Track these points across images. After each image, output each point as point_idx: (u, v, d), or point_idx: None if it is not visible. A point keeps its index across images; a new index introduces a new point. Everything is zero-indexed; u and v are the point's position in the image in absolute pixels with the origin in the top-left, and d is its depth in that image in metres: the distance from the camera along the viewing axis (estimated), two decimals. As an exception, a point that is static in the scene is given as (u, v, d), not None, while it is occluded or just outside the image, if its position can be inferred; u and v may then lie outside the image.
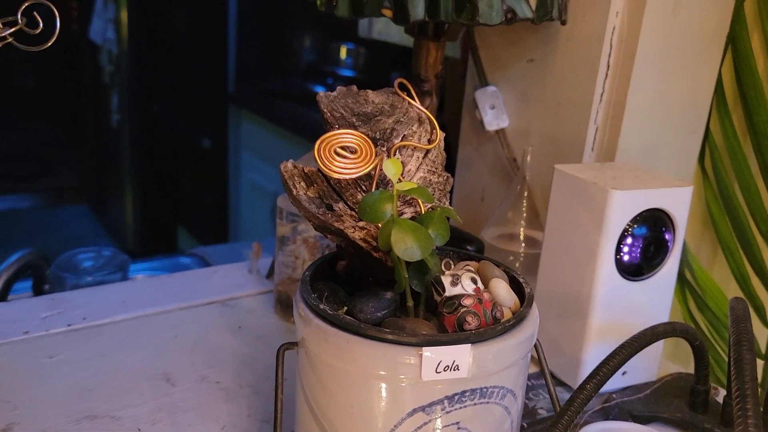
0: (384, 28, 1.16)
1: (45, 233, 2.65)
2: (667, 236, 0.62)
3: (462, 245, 0.72)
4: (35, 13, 0.38)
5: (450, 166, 0.92)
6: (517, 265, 0.75)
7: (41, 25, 0.38)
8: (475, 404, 0.42)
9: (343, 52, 2.10)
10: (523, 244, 0.76)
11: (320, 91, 0.47)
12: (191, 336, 0.71)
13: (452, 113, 0.95)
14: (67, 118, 2.90)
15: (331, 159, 0.43)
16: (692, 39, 0.72)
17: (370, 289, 0.45)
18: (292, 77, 2.41)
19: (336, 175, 0.42)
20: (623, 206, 0.59)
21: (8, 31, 0.38)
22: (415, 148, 0.47)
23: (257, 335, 0.72)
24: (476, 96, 0.83)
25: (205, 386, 0.63)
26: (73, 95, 2.85)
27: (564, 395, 0.63)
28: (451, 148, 0.95)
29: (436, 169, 0.48)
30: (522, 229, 0.76)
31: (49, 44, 0.38)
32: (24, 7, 0.38)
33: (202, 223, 2.69)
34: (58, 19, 0.38)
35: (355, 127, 0.46)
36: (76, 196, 2.94)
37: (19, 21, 0.38)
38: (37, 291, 1.16)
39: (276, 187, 2.15)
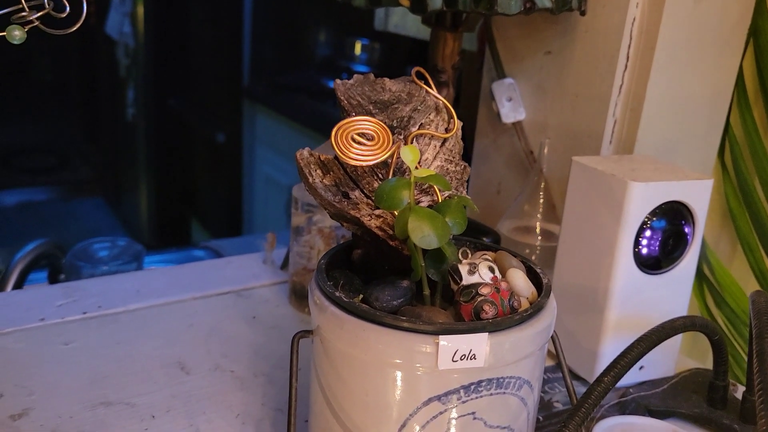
0: (400, 21, 1.15)
1: (61, 225, 2.67)
2: (686, 229, 0.62)
3: (478, 237, 0.72)
4: None
5: (466, 159, 0.92)
6: (533, 257, 0.75)
7: (67, 8, 0.38)
8: (491, 394, 0.41)
9: (358, 47, 2.09)
10: (539, 237, 0.75)
11: (338, 79, 0.47)
12: (206, 325, 0.71)
13: (469, 105, 0.95)
14: (84, 112, 2.92)
15: (348, 145, 0.42)
16: (713, 31, 0.71)
17: (386, 277, 0.45)
18: (307, 72, 2.41)
19: (353, 162, 0.42)
20: (642, 198, 0.58)
21: (36, 15, 0.38)
22: (432, 136, 0.47)
23: (271, 325, 0.72)
24: (493, 88, 0.83)
25: (219, 375, 0.63)
26: (90, 89, 2.86)
27: (580, 389, 0.63)
28: (467, 140, 0.94)
29: (453, 158, 0.48)
30: (538, 222, 0.76)
31: (76, 28, 0.38)
32: None
33: (216, 216, 2.70)
34: (85, 2, 0.38)
35: (372, 115, 0.45)
36: (92, 188, 2.96)
37: (46, 5, 0.38)
38: (53, 280, 1.16)
39: (290, 181, 2.15)
